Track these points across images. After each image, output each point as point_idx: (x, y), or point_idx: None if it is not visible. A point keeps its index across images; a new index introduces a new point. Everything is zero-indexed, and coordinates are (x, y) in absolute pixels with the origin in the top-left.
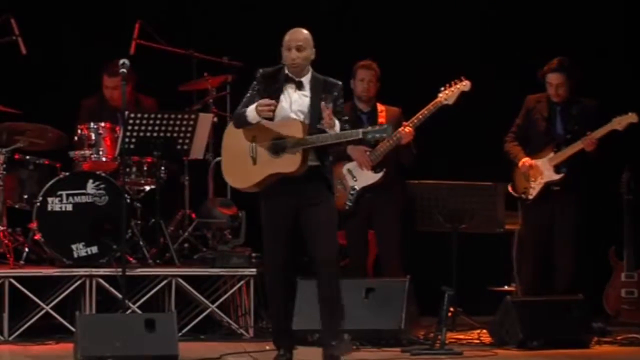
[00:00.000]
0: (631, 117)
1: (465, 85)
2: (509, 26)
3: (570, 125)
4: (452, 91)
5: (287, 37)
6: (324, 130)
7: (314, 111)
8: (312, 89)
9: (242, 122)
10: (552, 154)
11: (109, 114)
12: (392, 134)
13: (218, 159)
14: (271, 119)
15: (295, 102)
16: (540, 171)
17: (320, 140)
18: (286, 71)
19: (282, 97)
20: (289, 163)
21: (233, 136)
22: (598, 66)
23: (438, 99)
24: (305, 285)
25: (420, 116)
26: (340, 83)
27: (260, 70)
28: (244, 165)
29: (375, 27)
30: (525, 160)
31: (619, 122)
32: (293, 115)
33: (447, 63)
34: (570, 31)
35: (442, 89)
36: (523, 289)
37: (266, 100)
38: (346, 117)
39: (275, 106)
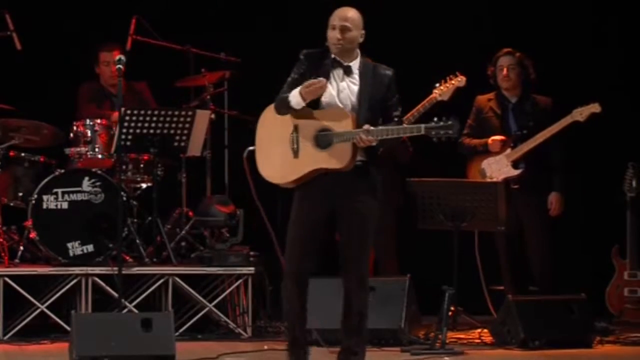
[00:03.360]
0: (593, 107)
1: (460, 80)
2: (505, 22)
3: (524, 121)
4: (447, 87)
5: (332, 15)
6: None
7: (364, 101)
8: (361, 76)
9: (284, 107)
10: (509, 150)
11: (106, 100)
12: (457, 131)
13: (251, 148)
14: (317, 105)
15: (343, 89)
16: (498, 168)
17: (377, 134)
18: (332, 54)
19: (328, 83)
20: (337, 158)
21: (270, 125)
22: (553, 64)
23: (433, 95)
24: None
25: (415, 112)
26: (391, 71)
27: (304, 51)
28: (283, 157)
29: (372, 24)
30: (494, 138)
31: (580, 113)
32: (340, 105)
33: (442, 59)
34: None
35: (437, 84)
36: (507, 290)
37: (312, 80)
38: (398, 113)
39: (325, 84)
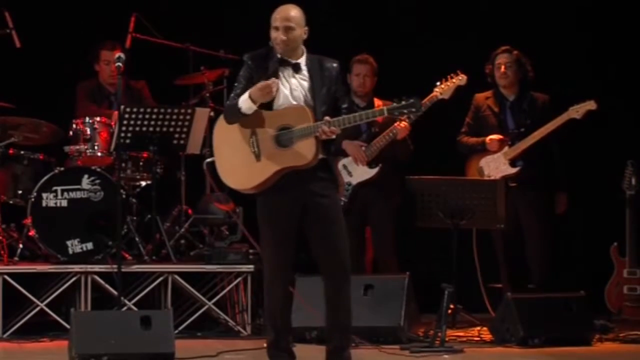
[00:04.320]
0: (589, 105)
1: (461, 79)
2: (503, 20)
3: (522, 119)
4: (448, 85)
5: (274, 15)
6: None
7: (317, 96)
8: (310, 72)
9: (234, 115)
10: (506, 148)
11: (104, 98)
12: (422, 108)
13: (209, 160)
14: (271, 106)
15: (295, 88)
16: (496, 166)
17: (339, 124)
18: (278, 53)
19: (280, 84)
20: (302, 154)
21: (227, 131)
22: (551, 62)
23: (434, 93)
24: (303, 283)
25: None
26: (337, 64)
27: (248, 54)
28: (245, 163)
29: (372, 21)
30: (492, 137)
31: (577, 111)
32: (294, 103)
33: (443, 57)
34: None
35: (438, 83)
36: (505, 288)
37: (262, 83)
38: (346, 105)
39: (277, 83)
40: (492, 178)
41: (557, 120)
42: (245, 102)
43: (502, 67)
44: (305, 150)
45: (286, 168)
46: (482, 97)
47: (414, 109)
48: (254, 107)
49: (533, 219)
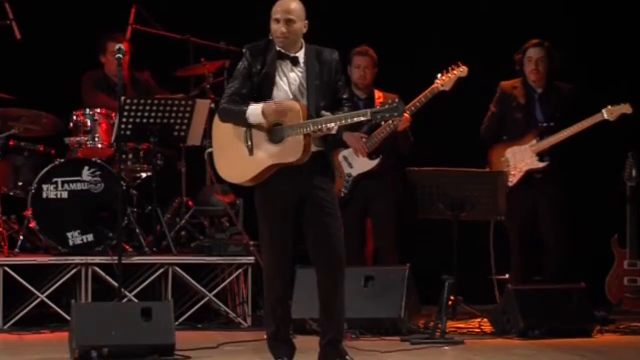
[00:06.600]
0: (624, 108)
1: (462, 70)
2: (505, 12)
3: (551, 112)
4: (449, 77)
5: (275, 7)
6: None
7: (314, 90)
8: (307, 65)
9: (235, 121)
10: (534, 141)
11: (110, 90)
12: (404, 112)
13: (210, 150)
14: (270, 100)
15: (293, 81)
16: (522, 158)
17: (323, 124)
18: (277, 46)
19: (277, 77)
20: (291, 152)
21: (223, 125)
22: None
23: (435, 85)
24: (303, 274)
25: (417, 102)
26: (336, 54)
27: (247, 46)
28: (238, 156)
29: (372, 12)
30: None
31: (611, 112)
32: (292, 97)
33: (444, 48)
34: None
35: (439, 74)
36: (514, 278)
37: (281, 105)
38: (346, 96)
39: (293, 105)
40: (518, 170)
41: (589, 120)
42: (256, 117)
43: (534, 62)
44: (296, 148)
45: (276, 164)
46: (509, 86)
47: (395, 113)
48: (264, 122)
49: (554, 214)
